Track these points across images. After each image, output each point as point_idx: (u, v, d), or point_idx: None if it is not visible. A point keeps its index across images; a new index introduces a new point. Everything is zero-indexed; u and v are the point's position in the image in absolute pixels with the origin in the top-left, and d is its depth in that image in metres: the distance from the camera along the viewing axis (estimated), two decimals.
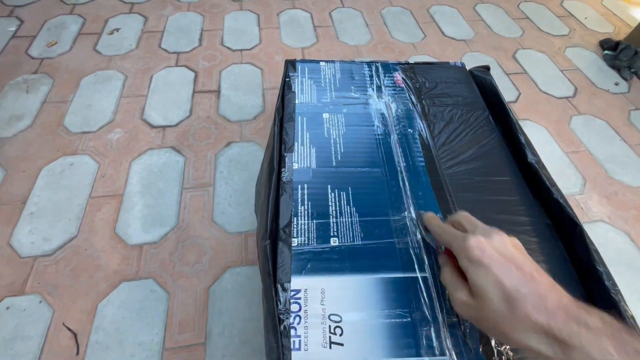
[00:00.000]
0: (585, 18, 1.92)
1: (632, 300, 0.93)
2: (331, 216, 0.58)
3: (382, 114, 0.76)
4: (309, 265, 0.52)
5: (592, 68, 1.62)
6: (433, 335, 0.48)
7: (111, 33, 1.56)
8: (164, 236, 0.96)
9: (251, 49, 1.54)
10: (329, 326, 0.47)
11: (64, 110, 1.25)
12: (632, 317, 0.48)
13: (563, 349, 0.28)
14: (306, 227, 0.57)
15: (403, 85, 0.83)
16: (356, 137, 0.71)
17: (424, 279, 0.52)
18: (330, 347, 0.45)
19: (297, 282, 0.51)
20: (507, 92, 1.46)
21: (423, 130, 0.74)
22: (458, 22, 1.80)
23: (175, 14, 1.69)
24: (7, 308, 0.83)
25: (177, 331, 0.81)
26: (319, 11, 1.78)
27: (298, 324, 0.47)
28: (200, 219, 1.00)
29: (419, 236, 0.57)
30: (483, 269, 0.33)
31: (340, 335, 0.46)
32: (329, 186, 0.62)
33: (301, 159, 0.66)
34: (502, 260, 0.33)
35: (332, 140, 0.70)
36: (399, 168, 0.66)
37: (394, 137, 0.72)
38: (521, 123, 1.34)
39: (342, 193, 0.61)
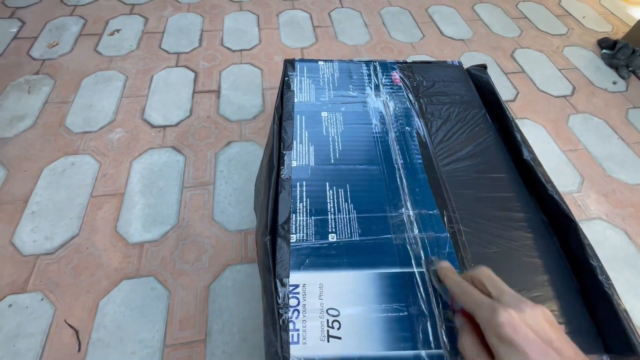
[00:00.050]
0: (584, 17, 1.93)
1: (629, 297, 0.94)
2: (329, 213, 0.59)
3: (380, 113, 0.77)
4: (307, 261, 0.53)
5: (590, 67, 1.63)
6: (429, 329, 0.48)
7: (112, 34, 1.57)
8: (164, 235, 0.97)
9: (251, 49, 1.55)
10: (327, 320, 0.48)
11: (65, 111, 1.26)
12: (625, 311, 0.48)
13: None
14: (305, 223, 0.58)
15: (401, 84, 0.84)
16: (354, 135, 0.72)
17: (421, 274, 0.53)
18: (328, 341, 0.46)
19: (295, 277, 0.52)
20: (505, 91, 1.47)
21: (420, 128, 0.75)
22: (456, 22, 1.81)
23: (175, 14, 1.70)
24: (10, 306, 0.84)
25: (178, 328, 0.82)
26: (318, 11, 1.79)
27: (296, 318, 0.48)
28: (201, 218, 1.01)
29: (415, 232, 0.58)
30: (517, 353, 0.29)
31: (338, 329, 0.47)
32: (327, 183, 0.63)
33: (300, 156, 0.67)
34: (539, 342, 0.30)
35: (330, 139, 0.71)
36: (396, 165, 0.67)
37: (391, 135, 0.73)
38: (519, 122, 1.35)
39: (340, 190, 0.62)
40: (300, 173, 0.64)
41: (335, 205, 0.60)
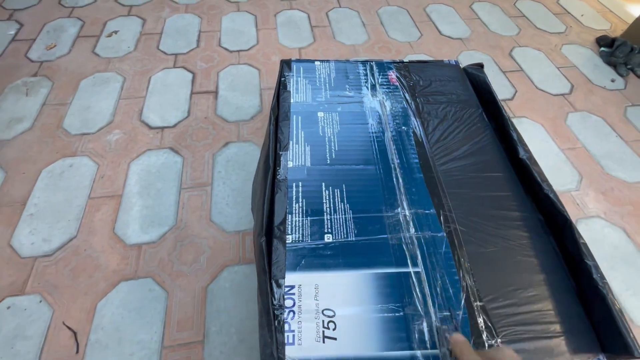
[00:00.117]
0: (582, 15, 1.93)
1: (627, 295, 0.94)
2: (325, 213, 0.59)
3: (377, 112, 0.77)
4: (303, 262, 0.53)
5: (588, 65, 1.62)
6: (425, 329, 0.48)
7: (109, 35, 1.57)
8: (162, 236, 0.97)
9: (248, 49, 1.55)
10: (323, 321, 0.48)
11: (63, 113, 1.26)
12: (620, 311, 0.48)
13: None
14: (300, 224, 0.58)
15: (397, 84, 0.84)
16: (350, 135, 0.72)
17: (417, 273, 0.53)
18: (323, 342, 0.46)
19: (291, 278, 0.52)
20: (503, 89, 1.47)
21: (417, 127, 0.75)
22: (454, 21, 1.81)
23: (173, 15, 1.70)
24: (8, 308, 0.84)
25: (176, 329, 0.82)
26: (315, 11, 1.79)
27: (292, 319, 0.48)
28: (198, 219, 1.01)
29: (411, 232, 0.58)
30: None
31: (334, 329, 0.47)
32: (323, 184, 0.63)
33: (296, 157, 0.67)
34: None
35: (326, 139, 0.71)
36: (392, 165, 0.67)
37: (388, 135, 0.73)
38: (518, 120, 1.35)
39: (336, 190, 0.62)
40: (296, 173, 0.64)
41: (331, 205, 0.60)
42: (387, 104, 0.80)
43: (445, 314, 0.50)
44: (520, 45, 1.71)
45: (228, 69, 1.46)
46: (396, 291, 0.51)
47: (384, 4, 1.88)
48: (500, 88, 1.48)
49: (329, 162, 0.67)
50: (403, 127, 0.75)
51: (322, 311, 0.49)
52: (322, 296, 0.50)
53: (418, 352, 0.46)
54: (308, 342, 0.46)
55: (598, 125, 1.37)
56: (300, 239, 0.56)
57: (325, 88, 0.81)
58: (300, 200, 0.61)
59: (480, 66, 0.90)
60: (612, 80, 1.55)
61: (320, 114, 0.75)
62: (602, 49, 1.69)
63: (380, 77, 0.85)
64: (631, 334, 0.47)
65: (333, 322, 0.48)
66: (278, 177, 0.64)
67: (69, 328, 0.81)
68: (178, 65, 1.46)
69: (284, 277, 0.52)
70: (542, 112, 1.40)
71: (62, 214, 1.00)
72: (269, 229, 0.57)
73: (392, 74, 0.86)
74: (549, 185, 0.65)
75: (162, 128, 1.23)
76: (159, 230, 0.98)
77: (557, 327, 0.51)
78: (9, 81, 1.35)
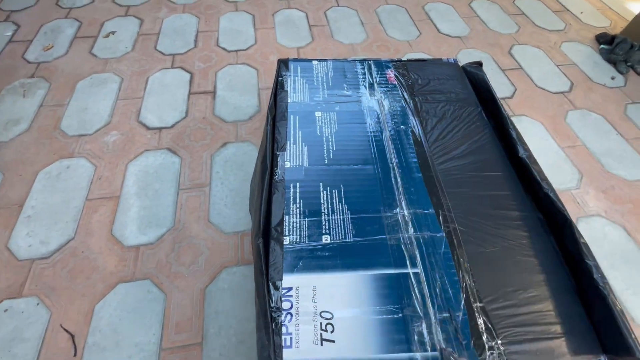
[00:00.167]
0: (581, 12, 1.92)
1: (628, 294, 0.93)
2: (323, 214, 0.58)
3: (375, 112, 0.77)
4: (300, 263, 0.53)
5: (588, 62, 1.62)
6: (424, 330, 0.48)
7: (107, 36, 1.57)
8: (160, 237, 0.96)
9: (246, 49, 1.54)
10: (320, 323, 0.47)
11: (61, 114, 1.25)
12: (621, 312, 0.48)
13: None
14: (298, 225, 0.57)
15: (395, 83, 0.83)
16: (348, 135, 0.71)
17: (416, 274, 0.53)
18: (321, 344, 0.46)
19: (288, 279, 0.51)
20: (502, 87, 1.46)
21: (416, 126, 0.74)
22: (453, 19, 1.80)
23: (170, 15, 1.69)
24: (5, 310, 0.83)
25: (174, 331, 0.82)
26: (314, 10, 1.78)
27: (289, 321, 0.47)
28: (197, 220, 1.00)
29: (410, 232, 0.57)
30: None
31: (332, 332, 0.47)
32: (321, 184, 0.62)
33: (293, 157, 0.67)
34: None
35: (324, 138, 0.70)
36: (391, 165, 0.67)
37: (386, 134, 0.72)
38: (517, 118, 1.34)
39: (334, 191, 0.62)
40: (293, 174, 0.64)
41: (329, 206, 0.60)
42: (386, 102, 0.79)
43: (444, 315, 0.49)
44: (520, 43, 1.70)
45: (226, 69, 1.45)
46: (395, 292, 0.51)
47: (382, 3, 1.87)
48: (500, 86, 1.47)
49: (326, 162, 0.67)
50: (401, 126, 0.74)
51: (320, 313, 0.48)
52: (320, 298, 0.50)
53: (417, 355, 0.46)
54: (306, 345, 0.46)
55: (598, 123, 1.36)
56: (298, 240, 0.55)
57: (322, 87, 0.81)
58: (298, 200, 0.60)
59: (479, 64, 0.90)
60: (612, 78, 1.54)
61: (317, 114, 0.75)
62: (602, 46, 1.68)
63: (379, 76, 0.85)
64: (632, 335, 0.46)
65: (331, 324, 0.47)
66: (275, 177, 0.63)
67: (67, 331, 0.80)
68: (176, 65, 1.45)
69: (281, 279, 0.51)
70: (541, 110, 1.39)
71: (59, 215, 0.99)
72: (266, 230, 0.57)
73: (391, 73, 0.85)
74: (549, 184, 0.64)
75: (160, 129, 1.22)
76: (156, 232, 0.97)
77: (557, 328, 0.50)
78: (6, 83, 1.34)
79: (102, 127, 1.22)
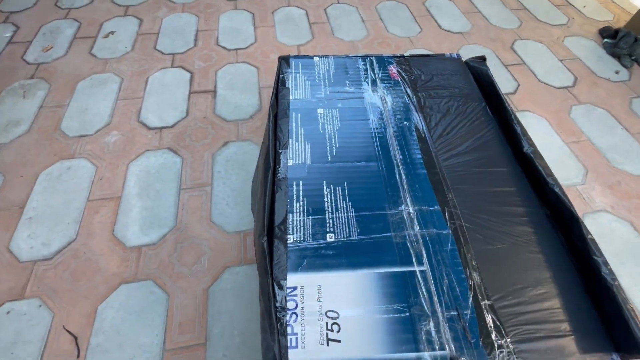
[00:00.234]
0: (584, 6, 1.90)
1: (636, 290, 0.92)
2: (327, 212, 0.58)
3: (378, 108, 0.76)
4: (305, 262, 0.52)
5: (591, 57, 1.60)
6: (432, 329, 0.47)
7: (106, 36, 1.56)
8: (162, 237, 0.96)
9: (246, 48, 1.53)
10: (326, 323, 0.46)
11: (61, 115, 1.24)
12: (632, 310, 0.47)
13: None
14: (302, 223, 0.56)
15: (398, 78, 0.82)
16: (351, 132, 0.70)
17: (422, 272, 0.52)
18: (327, 344, 0.45)
19: (293, 279, 0.50)
20: (505, 83, 1.45)
21: (419, 122, 0.73)
22: (454, 15, 1.79)
23: (170, 15, 1.68)
24: (8, 313, 0.83)
25: (177, 332, 0.81)
26: (314, 8, 1.77)
27: (295, 321, 0.46)
28: (199, 220, 0.99)
29: (416, 229, 0.56)
30: None
31: (338, 331, 0.46)
32: (324, 182, 0.61)
33: (296, 155, 0.66)
34: None
35: (327, 136, 0.69)
36: (395, 161, 0.66)
37: (390, 131, 0.71)
38: (521, 114, 1.33)
39: (337, 188, 0.61)
40: (296, 172, 0.63)
41: (333, 204, 0.59)
42: (388, 99, 0.78)
43: (452, 313, 0.48)
44: (522, 38, 1.68)
45: (226, 68, 1.44)
46: (401, 291, 0.50)
47: None
48: (503, 82, 1.46)
49: (329, 159, 0.66)
50: (405, 123, 0.73)
51: (326, 313, 0.47)
52: (325, 297, 0.49)
53: (425, 354, 0.45)
54: (311, 345, 0.45)
55: (603, 118, 1.35)
56: (302, 238, 0.54)
57: (324, 84, 0.80)
58: (301, 199, 0.59)
59: (483, 59, 0.88)
60: (617, 72, 1.53)
61: (320, 111, 0.74)
62: (606, 40, 1.66)
63: (381, 72, 0.84)
64: None
65: (337, 323, 0.46)
66: (278, 175, 0.63)
67: (70, 332, 0.80)
68: (176, 64, 1.44)
69: (285, 279, 0.50)
70: (545, 106, 1.38)
71: (61, 217, 0.99)
72: (269, 229, 0.56)
73: (393, 69, 0.84)
74: (555, 180, 0.63)
75: (161, 128, 1.22)
76: (158, 232, 0.97)
77: (567, 326, 0.49)
78: (5, 84, 1.34)
79: (102, 127, 1.21)
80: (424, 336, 0.46)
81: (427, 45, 1.60)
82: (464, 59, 0.91)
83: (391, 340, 0.46)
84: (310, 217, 0.57)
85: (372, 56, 0.87)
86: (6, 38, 1.53)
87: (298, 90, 0.78)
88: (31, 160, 1.11)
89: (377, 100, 0.77)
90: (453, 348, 0.46)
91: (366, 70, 0.84)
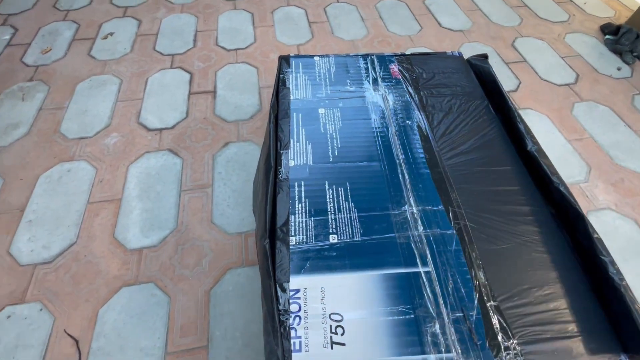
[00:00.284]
0: (585, 3, 1.89)
1: None
2: (329, 213, 0.57)
3: (379, 107, 0.75)
4: (307, 264, 0.51)
5: (593, 54, 1.59)
6: (438, 331, 0.46)
7: (105, 37, 1.55)
8: (163, 239, 0.95)
9: (246, 48, 1.53)
10: (330, 326, 0.46)
11: (60, 117, 1.24)
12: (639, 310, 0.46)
13: None
14: (304, 225, 0.55)
15: (400, 77, 0.81)
16: (353, 132, 0.70)
17: (427, 273, 0.51)
18: (331, 348, 0.44)
19: (296, 281, 0.50)
20: (507, 81, 1.44)
21: (422, 121, 0.72)
22: (455, 13, 1.78)
23: (168, 15, 1.68)
24: (8, 317, 0.82)
25: (179, 335, 0.80)
26: (313, 7, 1.76)
27: (298, 324, 0.46)
28: (200, 221, 0.99)
29: (420, 230, 0.56)
30: None
31: (342, 334, 0.45)
32: (326, 182, 0.61)
33: (297, 155, 0.65)
34: None
35: (328, 136, 0.68)
36: (398, 161, 0.65)
37: (392, 130, 0.70)
38: (523, 112, 1.32)
39: (340, 189, 0.60)
40: (298, 172, 0.62)
41: (335, 204, 0.58)
42: (390, 97, 0.77)
43: (458, 315, 0.48)
44: (523, 35, 1.67)
45: (226, 68, 1.43)
46: (406, 292, 0.49)
47: None
48: (504, 80, 1.45)
49: (331, 159, 0.65)
50: (407, 121, 0.72)
51: (329, 315, 0.47)
52: (329, 300, 0.48)
53: (432, 356, 0.44)
54: (315, 349, 0.44)
55: (605, 115, 1.34)
56: (304, 240, 0.54)
57: (325, 83, 0.79)
58: (303, 200, 0.59)
59: (485, 57, 0.88)
60: (618, 69, 1.52)
61: (321, 111, 0.73)
62: (607, 36, 1.65)
63: (382, 70, 0.83)
64: None
65: (341, 326, 0.46)
66: (279, 176, 0.62)
67: (71, 336, 0.79)
68: (175, 65, 1.44)
69: (288, 281, 0.49)
70: (547, 103, 1.37)
71: (61, 219, 0.98)
72: (271, 231, 0.55)
73: (394, 67, 0.84)
74: (560, 178, 0.62)
75: (161, 130, 1.21)
76: (159, 234, 0.96)
77: (575, 327, 0.49)
78: (4, 87, 1.33)
79: (102, 129, 1.21)
80: (429, 338, 0.46)
81: (428, 44, 1.59)
82: (465, 57, 0.90)
83: (396, 342, 0.45)
84: (312, 218, 0.57)
85: (373, 55, 0.87)
86: (5, 40, 1.52)
87: (299, 90, 0.77)
88: (31, 163, 1.11)
89: (379, 99, 0.77)
90: (459, 350, 0.45)
91: (367, 69, 0.83)
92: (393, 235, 0.55)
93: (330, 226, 0.56)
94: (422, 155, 0.67)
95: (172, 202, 1.03)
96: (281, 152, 0.65)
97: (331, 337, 0.45)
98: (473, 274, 0.51)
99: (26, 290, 0.86)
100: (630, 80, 1.48)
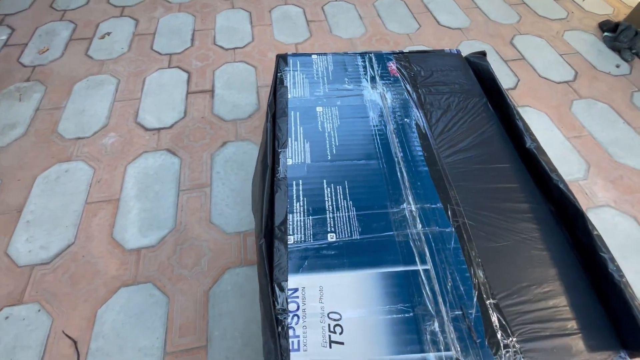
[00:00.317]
0: (583, 0, 1.89)
1: None
2: (327, 211, 0.57)
3: (378, 105, 0.75)
4: (306, 263, 0.51)
5: (592, 51, 1.59)
6: (437, 329, 0.46)
7: (102, 37, 1.55)
8: (161, 239, 0.95)
9: (244, 47, 1.52)
10: (329, 325, 0.45)
11: (58, 117, 1.23)
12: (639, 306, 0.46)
13: None
14: (302, 223, 0.55)
15: (398, 75, 0.81)
16: (351, 130, 0.69)
17: (426, 271, 0.51)
18: (330, 347, 0.44)
19: (294, 280, 0.49)
20: (505, 78, 1.44)
21: (420, 119, 0.72)
22: (453, 11, 1.77)
23: (166, 15, 1.67)
24: (6, 318, 0.82)
25: (178, 335, 0.80)
26: (311, 6, 1.75)
27: (296, 323, 0.45)
28: (198, 221, 0.99)
29: (418, 228, 0.56)
30: None
31: (341, 333, 0.45)
32: (324, 181, 0.60)
33: (295, 154, 0.65)
34: None
35: (326, 134, 0.68)
36: (396, 159, 0.65)
37: (390, 128, 0.70)
38: (521, 109, 1.32)
39: (338, 187, 0.60)
40: (296, 171, 0.62)
41: (334, 203, 0.58)
42: (388, 95, 0.77)
43: (457, 313, 0.47)
44: (521, 33, 1.67)
45: (224, 67, 1.43)
46: (405, 291, 0.49)
47: None
48: (502, 77, 1.45)
49: (329, 158, 0.65)
50: (405, 119, 0.72)
51: (328, 314, 0.46)
52: (327, 298, 0.48)
53: (431, 355, 0.44)
54: (314, 348, 0.44)
55: (604, 112, 1.34)
56: (303, 239, 0.54)
57: (323, 82, 0.79)
58: (301, 198, 0.58)
59: (483, 54, 0.87)
60: (617, 66, 1.52)
61: (319, 109, 0.73)
62: (606, 34, 1.65)
63: (380, 68, 0.83)
64: None
65: (339, 325, 0.46)
66: (277, 175, 0.62)
67: (69, 337, 0.79)
68: (173, 65, 1.43)
69: (286, 280, 0.49)
70: (546, 101, 1.37)
71: (59, 220, 0.98)
72: (269, 230, 0.55)
73: (392, 65, 0.83)
74: (559, 176, 0.62)
75: (159, 129, 1.21)
76: (158, 234, 0.96)
77: (574, 324, 0.48)
78: (1, 87, 1.32)
79: (99, 129, 1.20)
80: (428, 336, 0.46)
81: (426, 42, 1.59)
82: (463, 54, 0.90)
83: (395, 341, 0.45)
84: (310, 217, 0.56)
85: (371, 53, 0.86)
86: (2, 41, 1.52)
87: (296, 88, 0.77)
88: (28, 163, 1.10)
89: (377, 97, 0.76)
90: (458, 348, 0.45)
91: (365, 67, 0.83)
92: (392, 233, 0.55)
93: (329, 225, 0.55)
94: (420, 153, 0.66)
95: (170, 202, 1.02)
96: (279, 150, 0.65)
97: (330, 336, 0.45)
98: (472, 271, 0.51)
99: (24, 291, 0.86)
100: (629, 77, 1.48)
